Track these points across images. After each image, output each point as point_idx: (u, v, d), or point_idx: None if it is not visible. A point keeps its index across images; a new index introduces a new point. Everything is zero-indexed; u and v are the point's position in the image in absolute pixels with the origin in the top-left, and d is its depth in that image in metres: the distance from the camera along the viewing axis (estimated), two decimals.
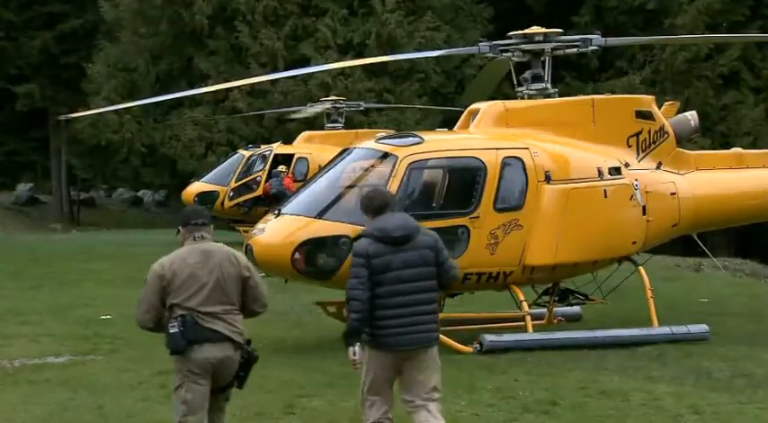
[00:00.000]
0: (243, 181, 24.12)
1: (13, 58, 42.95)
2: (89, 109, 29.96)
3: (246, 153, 24.90)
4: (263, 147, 25.25)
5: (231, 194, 24.04)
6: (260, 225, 10.97)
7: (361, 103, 26.49)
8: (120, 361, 10.32)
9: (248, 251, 10.67)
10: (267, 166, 23.84)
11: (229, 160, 25.50)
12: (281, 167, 23.57)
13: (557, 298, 12.13)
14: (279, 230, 10.65)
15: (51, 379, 9.39)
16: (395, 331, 6.20)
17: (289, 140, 26.11)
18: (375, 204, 6.43)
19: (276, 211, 10.91)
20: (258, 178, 23.87)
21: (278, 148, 24.62)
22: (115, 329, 12.00)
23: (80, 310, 13.50)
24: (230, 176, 24.25)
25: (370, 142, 11.57)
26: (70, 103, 38.39)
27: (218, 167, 25.57)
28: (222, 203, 24.11)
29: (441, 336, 10.77)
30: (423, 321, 6.29)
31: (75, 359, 10.32)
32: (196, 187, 24.86)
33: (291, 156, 24.26)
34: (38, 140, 45.98)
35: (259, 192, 23.58)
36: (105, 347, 10.86)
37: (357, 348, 6.19)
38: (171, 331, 5.84)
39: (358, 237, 6.62)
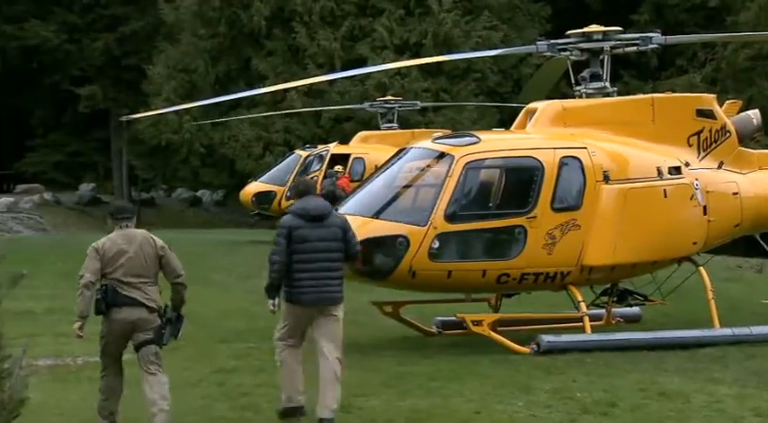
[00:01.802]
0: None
1: (77, 60, 43.76)
2: (150, 110, 30.40)
3: (303, 153, 25.06)
4: (319, 147, 25.38)
5: (288, 194, 24.19)
6: None
7: (417, 102, 26.43)
8: (180, 359, 10.41)
9: None
10: (324, 166, 23.97)
11: (287, 160, 25.68)
12: (338, 167, 23.66)
13: (615, 298, 12.00)
14: None
15: None
16: (308, 290, 7.69)
17: (345, 141, 26.21)
18: (300, 189, 8.13)
19: None
20: (315, 178, 23.97)
21: (335, 148, 24.73)
22: None
23: None
24: (287, 176, 24.41)
25: (426, 142, 11.55)
26: (131, 104, 39.00)
27: (276, 167, 25.77)
28: (279, 203, 24.29)
29: (497, 336, 10.79)
30: (330, 284, 7.77)
31: (133, 357, 10.46)
32: (254, 187, 25.07)
33: (348, 156, 24.35)
34: (100, 141, 46.78)
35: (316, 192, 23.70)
36: (165, 346, 10.97)
37: (276, 300, 7.78)
38: (96, 297, 7.30)
39: (284, 213, 7.98)
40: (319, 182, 23.73)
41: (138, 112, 27.15)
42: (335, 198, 21.40)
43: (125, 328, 7.34)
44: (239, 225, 36.53)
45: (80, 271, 7.33)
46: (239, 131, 34.79)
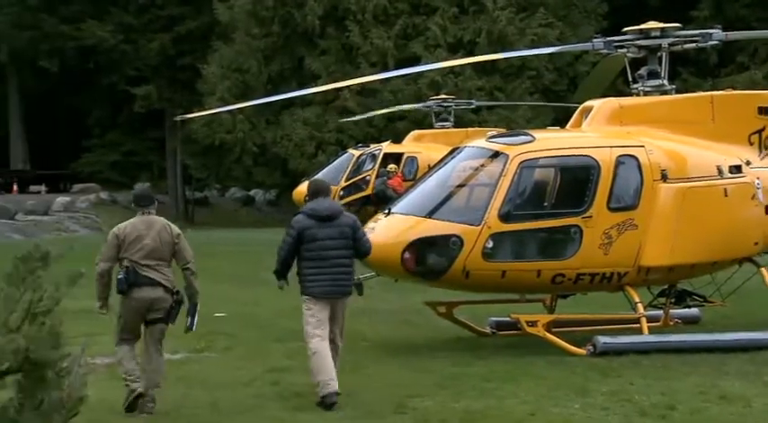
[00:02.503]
0: (352, 180, 24.33)
1: (132, 59, 44.36)
2: (203, 109, 30.69)
3: (356, 152, 25.12)
4: (372, 146, 25.42)
5: (341, 194, 24.26)
6: (370, 224, 11.02)
7: (472, 101, 26.36)
8: (234, 358, 10.53)
9: None
10: (377, 166, 24.00)
11: (339, 159, 25.76)
12: (391, 167, 23.66)
13: (673, 300, 11.84)
14: (389, 230, 10.67)
15: (168, 375, 9.60)
16: (319, 284, 8.48)
17: (398, 140, 26.22)
18: (311, 190, 8.89)
19: (386, 211, 10.97)
20: (367, 177, 24.05)
21: (387, 147, 24.74)
22: (229, 327, 12.25)
23: None
24: (340, 176, 24.48)
25: (480, 141, 11.50)
26: (186, 103, 39.44)
27: (328, 167, 25.84)
28: None
29: (552, 337, 10.72)
30: (340, 279, 8.54)
31: (190, 356, 10.59)
32: (306, 186, 25.17)
33: (401, 155, 24.34)
34: (155, 141, 47.42)
35: (368, 191, 23.75)
36: (220, 345, 11.11)
37: (282, 282, 8.78)
38: (119, 277, 8.13)
39: (297, 214, 8.78)
40: (372, 181, 23.77)
41: (193, 112, 27.42)
42: (386, 198, 21.52)
43: (142, 306, 8.15)
44: None
45: (97, 257, 8.15)
46: (292, 131, 34.98)
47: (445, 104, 25.39)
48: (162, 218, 8.38)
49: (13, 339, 4.07)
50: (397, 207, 10.97)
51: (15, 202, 37.57)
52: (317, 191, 8.78)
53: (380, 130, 32.93)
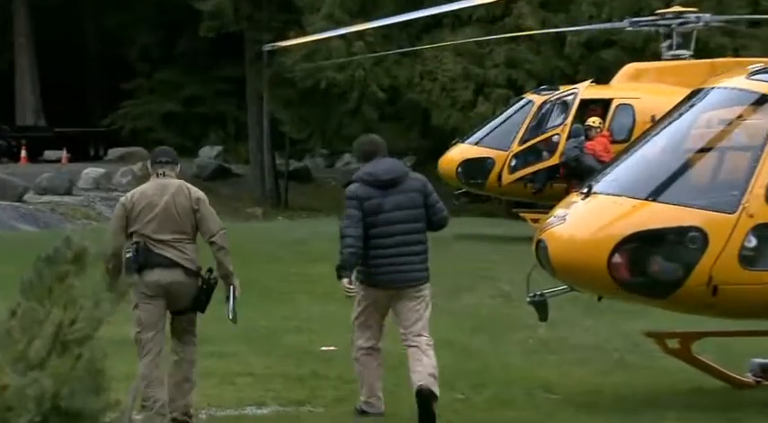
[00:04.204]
0: (531, 142, 24.33)
1: None
2: (303, 34, 31.07)
3: (538, 99, 25.08)
4: (563, 88, 25.33)
5: (514, 163, 24.30)
6: (559, 211, 11.09)
7: (723, 15, 25.89)
8: (350, 415, 10.69)
9: (540, 249, 10.77)
10: (569, 120, 23.92)
11: (511, 110, 25.80)
12: (593, 120, 23.55)
13: None
14: (588, 219, 10.75)
15: None
16: (385, 269, 9.73)
17: (604, 79, 26.02)
18: (364, 150, 10.13)
19: (585, 190, 10.97)
20: (555, 138, 24.00)
21: (587, 90, 24.60)
22: (341, 367, 12.42)
23: (291, 337, 14.09)
24: (512, 136, 24.50)
25: (737, 79, 11.43)
26: (276, 25, 39.95)
27: (494, 122, 25.92)
28: (499, 177, 24.40)
29: None
30: (411, 261, 9.78)
31: (284, 411, 10.80)
32: (460, 152, 25.32)
33: (608, 102, 24.20)
34: (229, 82, 48.19)
35: (556, 159, 23.70)
36: (328, 394, 11.29)
37: (351, 278, 9.76)
38: (126, 256, 9.28)
39: (348, 182, 10.03)
40: (561, 143, 23.69)
41: (287, 38, 27.82)
42: (584, 169, 21.39)
43: (158, 293, 9.30)
44: None
45: (107, 234, 9.47)
46: (438, 66, 35.12)
47: (680, 21, 25.03)
48: (181, 180, 9.54)
49: (35, 379, 4.18)
50: (602, 184, 11.01)
51: (25, 175, 38.82)
52: (374, 150, 10.04)
53: (575, 65, 32.75)
